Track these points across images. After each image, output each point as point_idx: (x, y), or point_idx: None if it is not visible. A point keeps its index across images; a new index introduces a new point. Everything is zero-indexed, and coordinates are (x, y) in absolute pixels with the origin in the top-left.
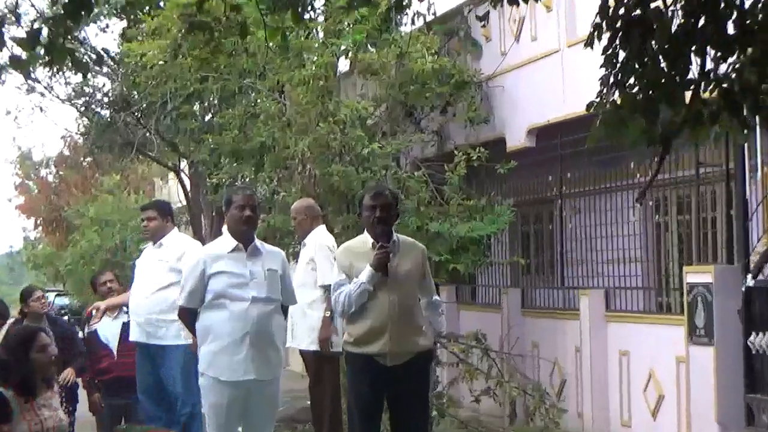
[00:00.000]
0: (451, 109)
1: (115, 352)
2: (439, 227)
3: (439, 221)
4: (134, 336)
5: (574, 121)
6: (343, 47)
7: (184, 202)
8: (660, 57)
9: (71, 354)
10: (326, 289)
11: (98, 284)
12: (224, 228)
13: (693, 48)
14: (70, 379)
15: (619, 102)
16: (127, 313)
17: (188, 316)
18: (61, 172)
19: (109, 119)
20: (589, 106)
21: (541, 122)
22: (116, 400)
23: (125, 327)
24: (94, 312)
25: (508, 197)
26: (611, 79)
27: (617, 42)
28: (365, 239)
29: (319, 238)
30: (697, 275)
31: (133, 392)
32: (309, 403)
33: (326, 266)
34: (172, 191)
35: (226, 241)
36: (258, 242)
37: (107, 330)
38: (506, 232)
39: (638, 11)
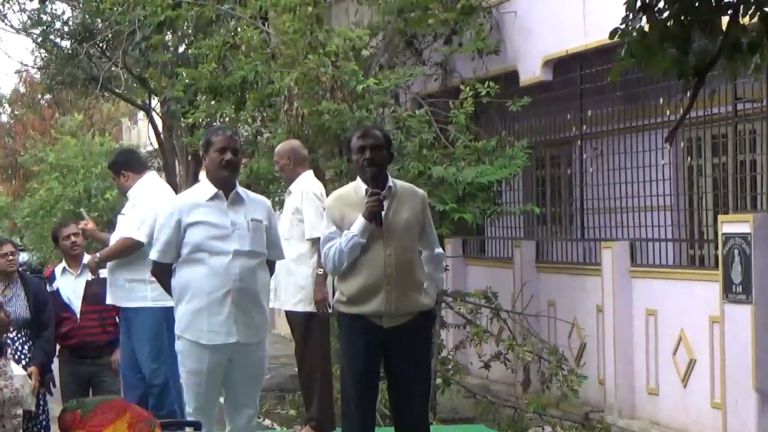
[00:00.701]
0: (456, 39)
1: (78, 315)
2: (443, 172)
3: (443, 165)
4: (109, 298)
5: (596, 52)
6: None
7: (156, 145)
8: None
9: (41, 323)
10: (314, 242)
11: (61, 237)
12: (202, 174)
13: None
14: (35, 385)
15: (647, 29)
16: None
17: (162, 273)
18: (16, 112)
19: (70, 51)
20: (613, 33)
21: (559, 52)
22: (80, 368)
23: (89, 286)
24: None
25: (522, 138)
26: (638, 3)
27: None
28: (358, 186)
29: (305, 184)
30: (734, 225)
31: (99, 359)
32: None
33: (314, 216)
34: (142, 133)
35: (204, 188)
36: (240, 189)
37: (70, 289)
38: (519, 177)
39: None
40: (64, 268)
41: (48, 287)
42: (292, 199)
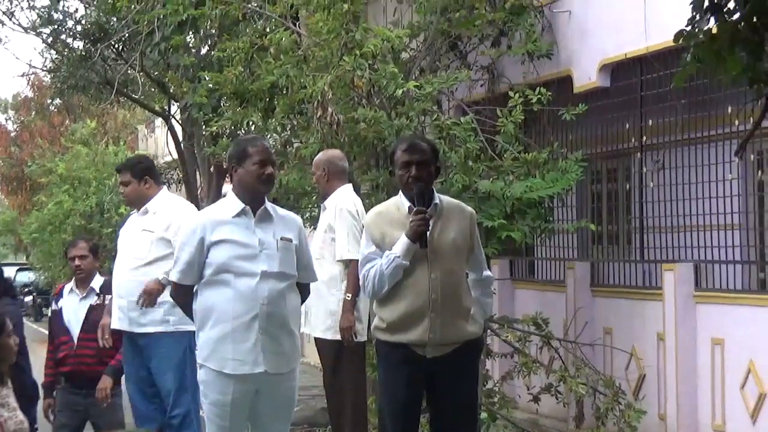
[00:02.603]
0: (505, 40)
1: (75, 341)
2: (490, 186)
3: (490, 179)
4: (116, 323)
5: (659, 55)
6: None
7: (175, 156)
8: None
9: None
10: (346, 264)
11: (68, 257)
12: (226, 187)
13: None
14: None
15: (715, 31)
16: (98, 294)
17: (183, 296)
18: (23, 118)
19: (82, 52)
20: (677, 36)
21: (618, 56)
22: (75, 399)
23: (92, 311)
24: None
25: (576, 149)
26: (706, 3)
27: None
28: (400, 202)
29: (341, 200)
30: None
31: (95, 390)
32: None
33: (346, 236)
34: (160, 142)
35: (229, 203)
36: (269, 205)
37: (72, 311)
38: (573, 192)
39: None
40: (72, 288)
41: (54, 305)
42: (326, 216)
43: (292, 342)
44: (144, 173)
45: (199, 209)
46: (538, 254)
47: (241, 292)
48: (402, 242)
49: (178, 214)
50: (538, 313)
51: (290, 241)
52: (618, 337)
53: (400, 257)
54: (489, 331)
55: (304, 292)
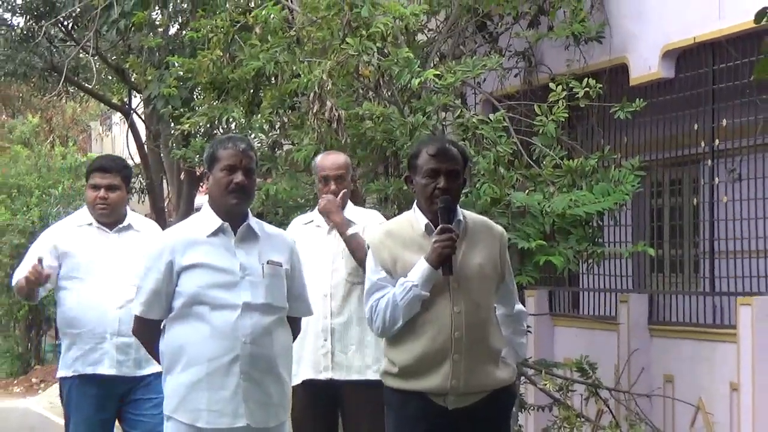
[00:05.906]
0: (545, 20)
1: None
2: (526, 199)
3: (526, 190)
4: (112, 368)
5: (736, 40)
6: None
7: (137, 159)
8: None
9: None
10: None
11: None
12: (200, 200)
13: None
14: None
15: None
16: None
17: (148, 332)
18: None
19: (23, 31)
20: (759, 15)
21: (684, 41)
22: None
23: None
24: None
25: (632, 155)
26: None
27: None
28: (414, 218)
29: (371, 217)
30: None
31: None
32: None
33: None
34: (118, 142)
35: (204, 219)
36: (254, 221)
37: None
38: (628, 208)
39: None
40: None
41: None
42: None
43: (282, 390)
44: (130, 180)
45: (165, 225)
46: (584, 284)
47: (218, 328)
48: (420, 268)
49: (147, 233)
50: (583, 357)
51: (279, 265)
52: (682, 387)
53: (418, 286)
54: (522, 377)
55: (295, 327)
